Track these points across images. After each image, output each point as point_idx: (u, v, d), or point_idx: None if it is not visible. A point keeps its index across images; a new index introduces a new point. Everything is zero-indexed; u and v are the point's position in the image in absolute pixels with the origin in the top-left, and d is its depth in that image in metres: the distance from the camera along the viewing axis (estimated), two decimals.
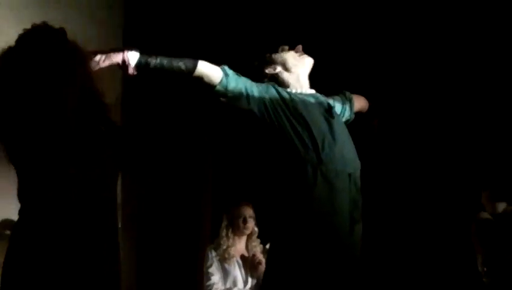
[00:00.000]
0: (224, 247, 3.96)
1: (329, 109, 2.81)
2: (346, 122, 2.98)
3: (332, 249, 2.60)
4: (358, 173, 2.76)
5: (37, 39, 2.10)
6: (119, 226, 2.26)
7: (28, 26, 2.14)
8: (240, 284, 3.94)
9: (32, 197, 2.08)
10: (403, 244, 3.99)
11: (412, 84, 3.99)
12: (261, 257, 3.93)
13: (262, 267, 3.78)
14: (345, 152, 2.72)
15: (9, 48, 2.11)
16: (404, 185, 4.02)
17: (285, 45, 2.91)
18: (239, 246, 4.04)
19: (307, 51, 2.90)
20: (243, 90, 2.66)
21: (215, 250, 3.98)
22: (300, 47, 2.90)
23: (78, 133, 2.09)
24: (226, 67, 2.66)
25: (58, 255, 2.01)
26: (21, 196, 2.12)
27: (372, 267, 3.07)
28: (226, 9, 4.41)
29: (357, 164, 2.77)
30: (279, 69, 2.86)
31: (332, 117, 2.77)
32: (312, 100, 2.80)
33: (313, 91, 2.89)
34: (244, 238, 4.07)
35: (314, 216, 2.60)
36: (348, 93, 3.06)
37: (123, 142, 2.23)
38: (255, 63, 2.91)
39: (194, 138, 4.79)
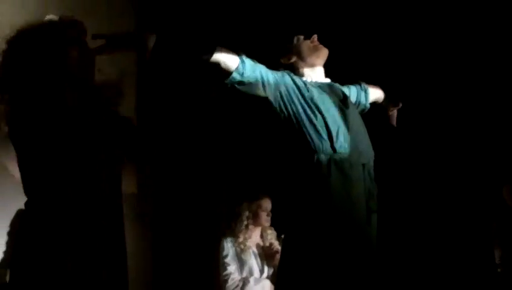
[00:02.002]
0: (242, 238, 3.99)
1: (344, 99, 2.81)
2: (362, 112, 2.98)
3: (349, 240, 2.59)
4: (372, 163, 2.76)
5: (37, 34, 2.12)
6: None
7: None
8: (256, 273, 3.96)
9: (39, 191, 2.08)
10: (418, 235, 3.97)
11: (430, 74, 3.95)
12: (277, 245, 3.95)
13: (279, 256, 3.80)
14: (359, 142, 2.72)
15: (11, 42, 2.13)
16: (420, 176, 4.00)
17: (301, 34, 2.91)
18: (254, 236, 4.07)
19: (322, 41, 2.90)
20: (259, 78, 2.66)
21: (232, 240, 4.01)
22: (315, 37, 2.90)
23: (82, 126, 2.09)
24: (243, 54, 2.65)
25: (66, 248, 2.02)
26: (28, 190, 2.12)
27: (388, 257, 3.05)
28: None
29: (371, 154, 2.77)
30: (294, 58, 2.87)
31: (347, 107, 2.77)
32: (327, 89, 2.81)
33: (328, 80, 2.89)
34: (259, 229, 4.09)
35: (329, 207, 2.59)
36: (363, 83, 3.07)
37: (129, 133, 2.22)
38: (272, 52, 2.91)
39: (210, 128, 4.80)
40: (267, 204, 4.04)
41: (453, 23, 3.87)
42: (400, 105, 3.11)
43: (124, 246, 2.18)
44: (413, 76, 3.92)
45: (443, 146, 3.98)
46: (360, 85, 3.05)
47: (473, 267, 3.77)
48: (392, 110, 3.15)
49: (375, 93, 3.11)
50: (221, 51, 2.59)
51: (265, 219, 4.02)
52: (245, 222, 4.02)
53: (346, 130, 2.69)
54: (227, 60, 2.61)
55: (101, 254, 2.07)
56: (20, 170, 2.13)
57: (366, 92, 3.04)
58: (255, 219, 4.03)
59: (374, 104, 3.12)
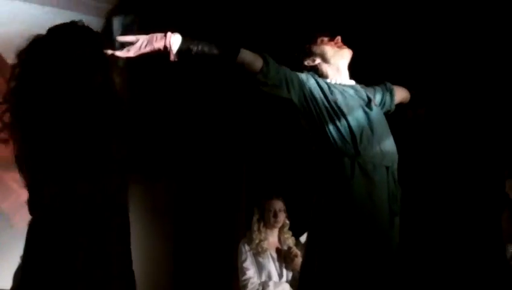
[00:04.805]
0: (257, 241, 3.98)
1: (369, 101, 2.79)
2: (387, 114, 2.95)
3: (372, 242, 2.59)
4: (395, 166, 2.74)
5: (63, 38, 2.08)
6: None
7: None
8: (275, 277, 3.95)
9: (44, 201, 2.04)
10: (439, 237, 3.95)
11: (456, 73, 3.92)
12: (296, 249, 3.94)
13: (299, 260, 3.79)
14: (383, 145, 2.70)
15: (33, 47, 2.09)
16: (444, 176, 3.98)
17: (324, 36, 2.89)
18: (272, 239, 4.06)
19: (346, 42, 2.88)
20: (283, 79, 2.65)
21: (248, 244, 4.00)
22: (339, 38, 2.88)
23: (91, 128, 2.05)
24: (267, 56, 2.65)
25: (75, 250, 1.99)
26: (33, 199, 2.08)
27: (410, 259, 3.04)
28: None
29: (395, 156, 2.75)
30: (318, 60, 2.85)
31: (371, 109, 2.76)
32: (351, 92, 2.79)
33: (352, 82, 2.88)
34: (276, 231, 4.08)
35: (352, 209, 2.59)
36: (388, 84, 3.04)
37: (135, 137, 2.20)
38: (295, 54, 2.90)
39: (228, 131, 4.80)
40: (274, 205, 4.03)
41: (482, 24, 3.84)
42: (428, 105, 3.08)
43: (129, 248, 2.16)
44: (441, 74, 3.88)
45: (455, 144, 3.96)
46: (386, 86, 3.02)
47: (489, 267, 3.74)
48: (420, 111, 3.12)
49: (401, 94, 3.08)
50: (245, 52, 2.60)
51: (273, 220, 4.01)
52: (256, 225, 4.02)
53: (369, 133, 2.68)
54: (252, 61, 2.60)
55: (106, 256, 2.04)
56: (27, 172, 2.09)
57: (391, 92, 3.01)
58: (264, 221, 4.03)
59: (401, 104, 3.09)
